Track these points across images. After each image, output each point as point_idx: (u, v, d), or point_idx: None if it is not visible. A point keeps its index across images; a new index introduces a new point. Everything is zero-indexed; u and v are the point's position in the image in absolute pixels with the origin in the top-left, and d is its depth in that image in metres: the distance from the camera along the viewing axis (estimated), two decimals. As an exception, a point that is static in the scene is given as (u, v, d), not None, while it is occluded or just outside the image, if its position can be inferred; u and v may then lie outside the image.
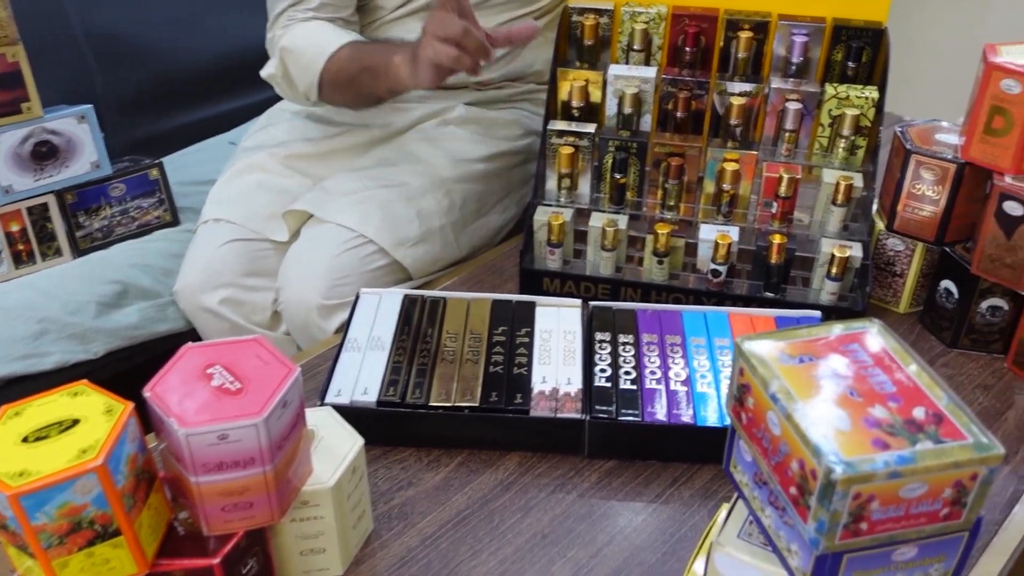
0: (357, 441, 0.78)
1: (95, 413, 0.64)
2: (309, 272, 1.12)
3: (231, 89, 1.72)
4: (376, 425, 0.92)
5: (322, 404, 0.90)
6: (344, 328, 1.01)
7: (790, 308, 1.06)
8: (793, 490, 0.59)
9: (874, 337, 0.65)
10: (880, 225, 1.11)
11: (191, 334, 1.24)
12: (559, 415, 0.89)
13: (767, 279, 1.09)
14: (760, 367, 0.62)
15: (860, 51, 1.13)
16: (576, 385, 0.92)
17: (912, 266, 1.10)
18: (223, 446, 0.65)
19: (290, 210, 1.18)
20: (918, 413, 0.59)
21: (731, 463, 0.70)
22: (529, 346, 0.98)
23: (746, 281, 1.13)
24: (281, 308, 1.16)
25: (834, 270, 1.06)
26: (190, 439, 0.64)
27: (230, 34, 1.75)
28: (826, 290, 1.08)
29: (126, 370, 1.23)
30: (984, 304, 1.03)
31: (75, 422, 0.64)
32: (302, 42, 1.18)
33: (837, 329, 0.65)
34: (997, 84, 0.94)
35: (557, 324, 1.01)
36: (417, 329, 1.00)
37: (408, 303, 1.04)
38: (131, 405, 0.65)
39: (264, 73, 1.26)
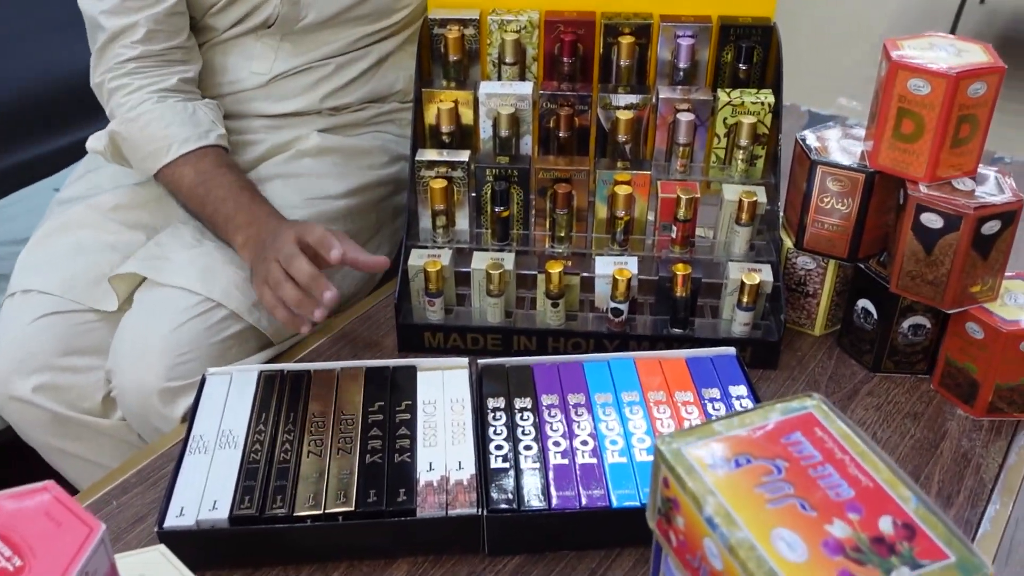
0: (199, 591, 0.62)
1: None
2: (145, 349, 0.94)
3: (53, 126, 1.49)
4: (232, 546, 0.76)
5: (160, 530, 0.74)
6: (188, 421, 0.85)
7: (700, 345, 0.96)
8: (744, 640, 0.46)
9: (816, 420, 0.53)
10: (788, 242, 1.01)
11: (5, 433, 1.04)
12: (451, 512, 0.75)
13: (673, 314, 0.98)
14: (690, 479, 0.49)
15: (751, 51, 1.03)
16: (469, 470, 0.78)
17: (825, 285, 1.00)
18: (-3, 654, 0.49)
19: (118, 274, 1.00)
20: (885, 526, 0.47)
21: (659, 578, 0.57)
22: (411, 424, 0.83)
23: (650, 317, 1.01)
24: (115, 393, 0.97)
25: (745, 299, 0.95)
26: (-53, 653, 0.47)
27: (51, 60, 1.52)
28: (738, 321, 0.97)
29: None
30: (906, 323, 0.94)
31: None
32: (137, 135, 1.03)
33: (774, 414, 0.54)
34: (904, 84, 0.85)
35: (442, 392, 0.87)
36: (277, 415, 0.84)
37: (264, 382, 0.88)
38: None
39: (91, 146, 1.09)
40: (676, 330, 0.98)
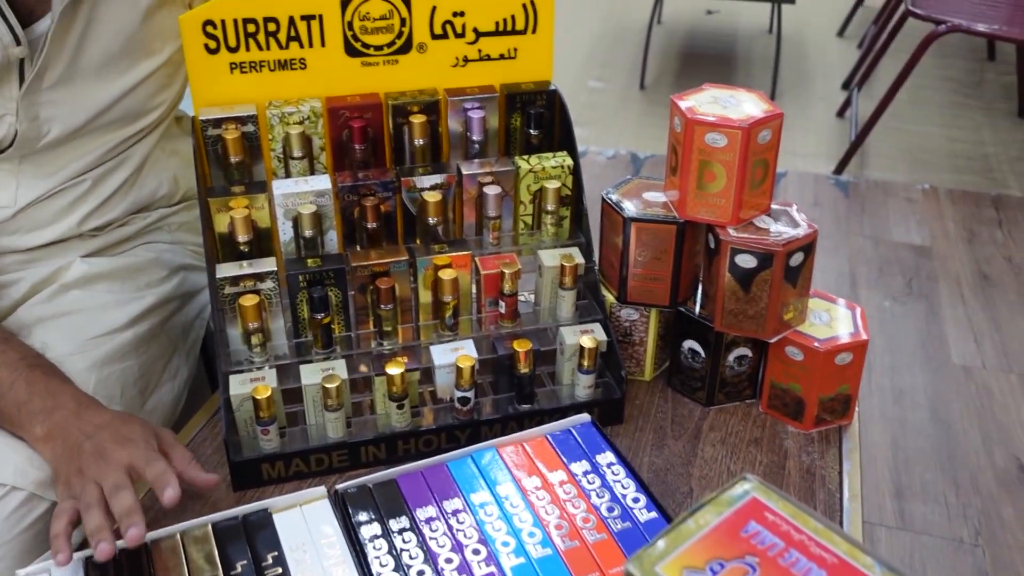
0: None
1: None
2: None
3: None
4: None
5: None
6: None
7: (550, 415, 0.95)
8: None
9: (762, 503, 0.54)
10: (610, 297, 1.03)
11: None
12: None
13: (519, 391, 0.96)
14: (674, 604, 0.47)
15: (539, 116, 1.04)
16: (367, 617, 0.71)
17: (650, 332, 1.03)
18: None
19: None
20: (864, 601, 0.48)
21: None
22: (286, 579, 0.75)
23: (491, 397, 0.99)
24: None
25: (586, 363, 0.96)
26: None
27: None
28: (581, 384, 0.97)
29: None
30: (731, 356, 1.00)
31: None
32: None
33: (722, 508, 0.53)
34: (702, 139, 0.90)
35: (307, 532, 0.79)
36: (120, 611, 0.72)
37: (95, 573, 0.75)
38: None
39: None
40: (524, 406, 0.97)
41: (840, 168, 2.80)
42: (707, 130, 0.89)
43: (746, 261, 0.92)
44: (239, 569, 0.75)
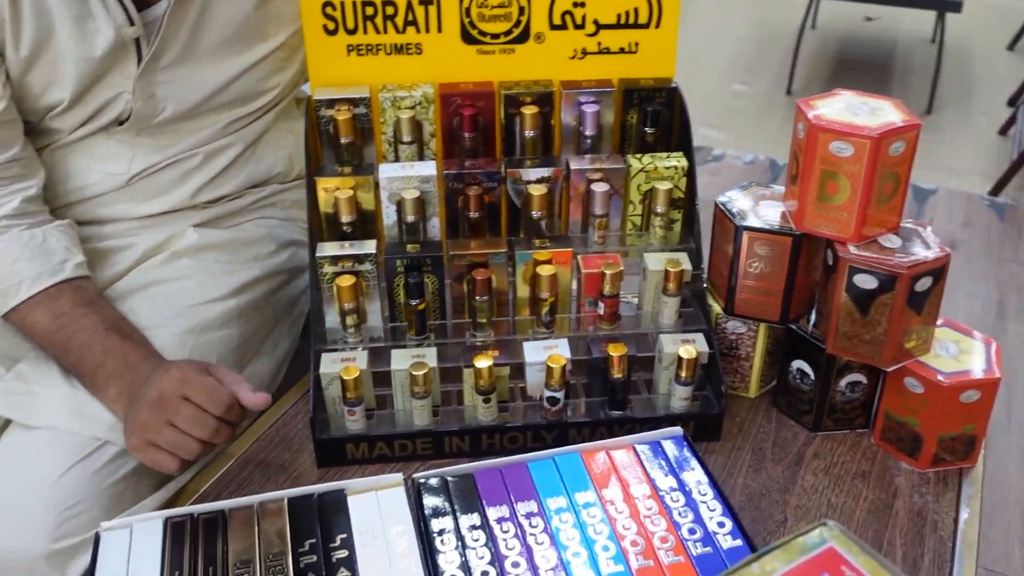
0: None
1: None
2: (24, 506, 0.80)
3: None
4: None
5: None
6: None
7: (642, 424, 0.91)
8: None
9: (840, 555, 0.49)
10: (717, 308, 0.98)
11: None
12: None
13: (611, 396, 0.93)
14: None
15: (656, 114, 1.00)
16: (426, 612, 0.70)
17: (757, 348, 0.98)
18: None
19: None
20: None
21: None
22: (350, 563, 0.74)
23: (584, 400, 0.96)
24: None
25: (684, 374, 0.91)
26: None
27: None
28: (677, 396, 0.93)
29: None
30: (843, 382, 0.93)
31: None
32: None
33: (794, 555, 0.49)
34: (826, 147, 0.84)
35: (379, 519, 0.78)
36: (192, 574, 0.73)
37: (173, 532, 0.77)
38: None
39: None
40: (615, 412, 0.93)
41: (997, 189, 2.60)
42: (832, 138, 0.83)
43: (865, 282, 0.85)
44: (306, 547, 0.75)
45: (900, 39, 3.68)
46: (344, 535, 0.77)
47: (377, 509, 0.79)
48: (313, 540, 0.76)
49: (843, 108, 0.85)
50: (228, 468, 0.92)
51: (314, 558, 0.74)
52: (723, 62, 3.50)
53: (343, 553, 0.75)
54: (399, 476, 0.82)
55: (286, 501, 0.80)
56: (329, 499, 0.80)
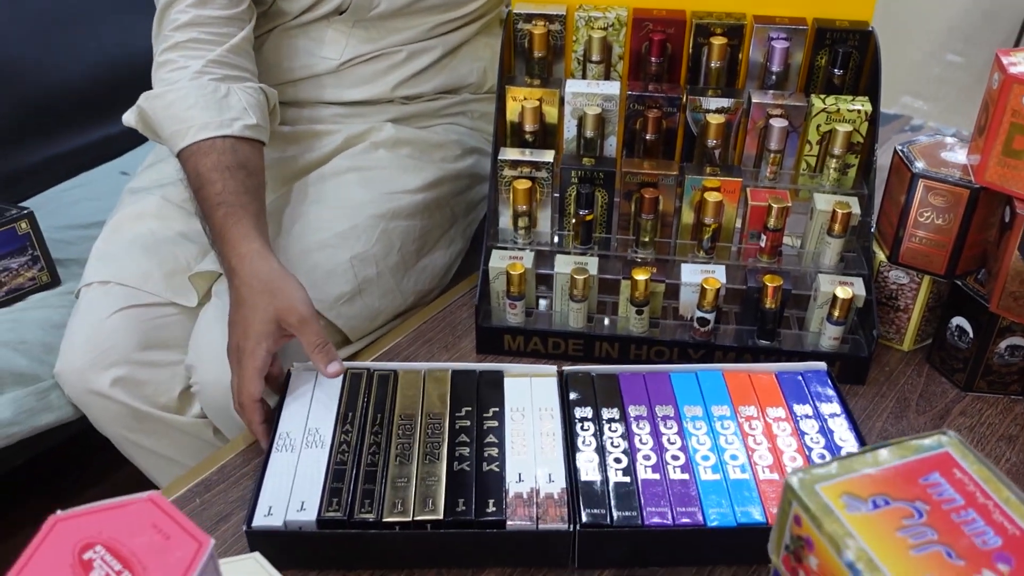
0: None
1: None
2: (224, 347, 0.93)
3: (118, 108, 1.49)
4: (318, 548, 0.75)
5: (248, 529, 0.73)
6: (274, 417, 0.84)
7: (788, 357, 0.94)
8: None
9: (954, 460, 0.51)
10: (880, 255, 0.98)
11: (81, 423, 1.04)
12: (541, 527, 0.74)
13: (761, 325, 0.96)
14: (826, 520, 0.47)
15: (847, 56, 0.99)
16: (559, 484, 0.77)
17: (918, 300, 0.97)
18: (114, 668, 0.48)
19: (198, 271, 0.99)
20: (1038, 578, 0.45)
21: (775, 612, 0.56)
22: (499, 432, 0.82)
23: (734, 327, 0.99)
24: (195, 389, 0.97)
25: (836, 313, 0.93)
26: (66, 667, 0.47)
27: (118, 41, 1.51)
28: (827, 335, 0.95)
29: (6, 474, 1.02)
30: (1003, 344, 0.91)
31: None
32: (161, 113, 0.96)
33: (909, 452, 0.51)
34: (1019, 99, 0.82)
35: (530, 400, 0.86)
36: (363, 416, 0.84)
37: (351, 380, 0.87)
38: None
39: (125, 120, 1.03)
40: (763, 342, 0.96)
41: None
42: (1028, 89, 0.81)
43: (1042, 241, 0.83)
44: (462, 413, 0.84)
45: None
46: (496, 408, 0.84)
47: (529, 392, 0.87)
48: (469, 408, 0.84)
49: (1045, 61, 0.83)
50: (398, 341, 1.02)
51: (468, 423, 0.83)
52: (941, 30, 3.29)
53: (494, 423, 0.83)
54: (553, 368, 0.89)
55: (450, 372, 0.88)
56: (488, 377, 0.88)
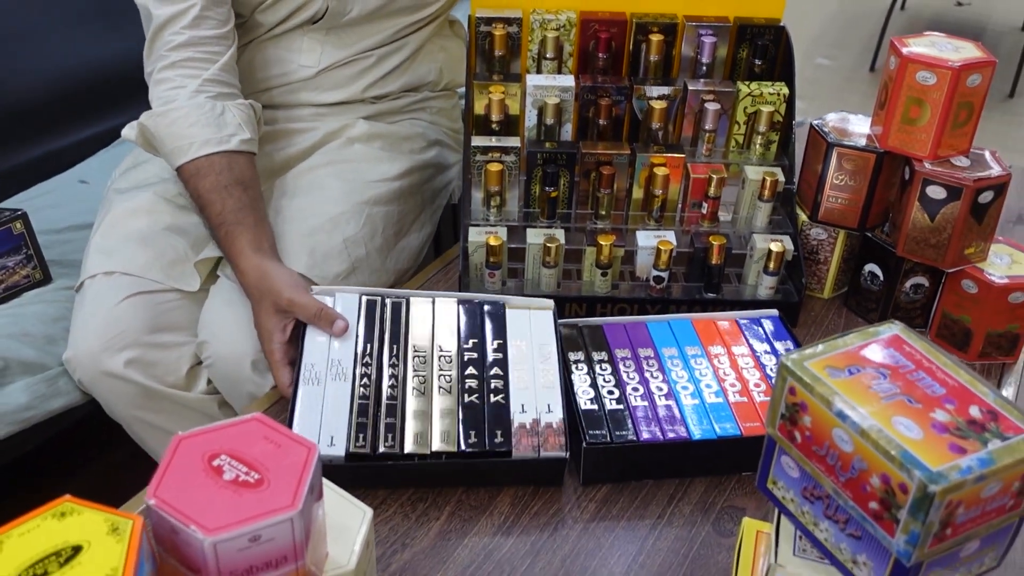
0: (366, 513, 0.71)
1: (98, 535, 0.54)
2: (238, 321, 1.01)
3: (76, 118, 1.53)
4: (348, 477, 0.84)
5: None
6: (298, 346, 0.93)
7: (731, 307, 1.09)
8: (874, 504, 0.58)
9: (902, 339, 0.66)
10: (802, 216, 1.15)
11: (90, 406, 1.09)
12: (543, 454, 0.85)
13: (708, 280, 1.10)
14: (817, 385, 0.61)
15: (764, 48, 1.16)
16: (557, 414, 0.89)
17: (835, 253, 1.14)
18: (254, 548, 0.57)
19: (203, 258, 1.07)
20: (975, 412, 0.60)
21: (768, 480, 0.69)
22: (503, 364, 0.93)
23: (683, 283, 1.13)
24: (209, 364, 1.04)
25: (771, 265, 1.08)
26: (218, 547, 0.56)
27: (73, 53, 1.54)
28: (764, 285, 1.10)
29: (18, 459, 1.06)
30: (908, 283, 1.09)
31: (76, 550, 0.54)
32: (164, 131, 1.05)
33: (869, 336, 0.66)
34: (913, 76, 0.99)
35: (530, 334, 0.96)
36: (380, 348, 0.93)
37: (367, 308, 0.96)
38: (140, 520, 0.56)
39: (125, 134, 1.11)
40: (710, 295, 1.11)
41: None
42: (919, 68, 0.99)
43: (936, 192, 1.01)
44: (470, 345, 0.94)
45: (990, 25, 3.73)
46: (500, 342, 0.95)
47: (529, 324, 0.97)
48: (475, 340, 0.95)
49: (930, 45, 1.01)
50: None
51: (475, 355, 0.93)
52: (810, 35, 3.60)
53: (499, 355, 0.94)
54: (550, 301, 0.99)
55: (456, 301, 0.98)
56: (491, 308, 0.98)
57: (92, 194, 1.35)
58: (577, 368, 0.94)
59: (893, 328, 0.67)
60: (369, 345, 0.93)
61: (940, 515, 0.55)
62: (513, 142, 1.11)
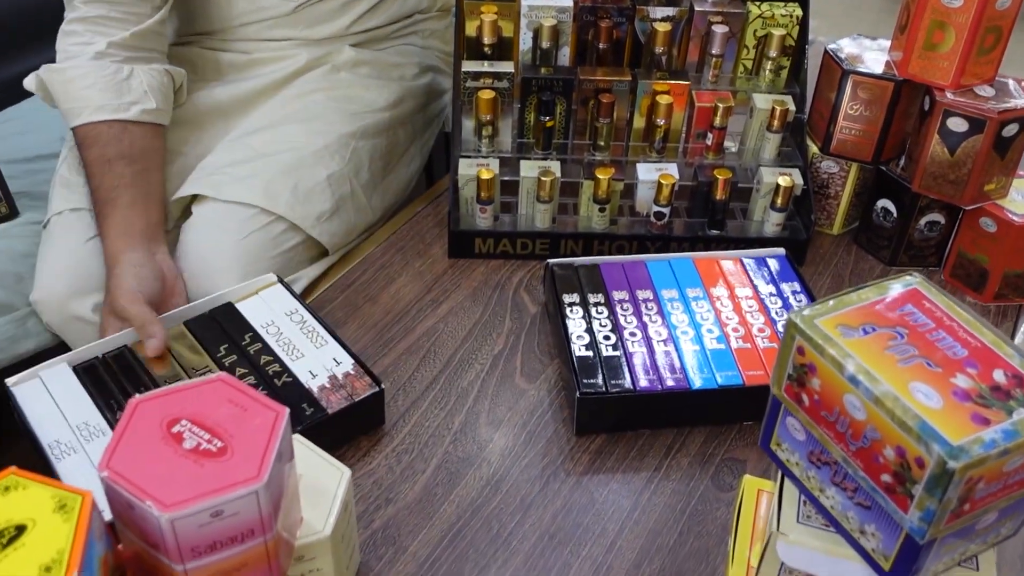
0: (344, 473, 0.67)
1: (44, 512, 0.50)
2: (217, 257, 0.95)
3: (37, 40, 1.43)
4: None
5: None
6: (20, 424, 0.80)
7: (735, 244, 1.03)
8: (887, 477, 0.54)
9: (922, 294, 0.61)
10: (813, 148, 1.08)
11: (61, 348, 1.04)
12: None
13: (711, 216, 1.04)
14: (828, 345, 0.56)
15: (777, -35, 1.07)
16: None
17: (847, 187, 1.08)
18: (217, 524, 0.53)
19: (179, 196, 1.01)
20: (999, 377, 0.55)
21: (772, 441, 0.65)
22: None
23: (685, 220, 1.07)
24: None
25: (779, 201, 1.02)
26: (176, 524, 0.51)
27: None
28: (771, 221, 1.04)
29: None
30: (923, 220, 1.03)
31: (20, 529, 0.49)
32: (59, 88, 0.98)
33: (885, 290, 0.61)
34: (938, -3, 0.91)
35: (270, 313, 0.89)
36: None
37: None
38: (90, 496, 0.51)
39: (26, 84, 1.02)
40: (713, 231, 1.05)
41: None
42: (945, -12, 0.91)
43: (957, 124, 0.94)
44: (222, 352, 0.84)
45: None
46: (250, 333, 0.86)
47: (267, 306, 0.89)
48: (226, 345, 0.85)
49: (958, -38, 0.93)
50: (372, 251, 1.06)
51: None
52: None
53: (257, 345, 0.87)
54: (272, 276, 0.92)
55: (183, 324, 0.88)
56: (219, 311, 0.89)
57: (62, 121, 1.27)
58: (572, 312, 0.89)
59: (912, 281, 0.61)
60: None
61: (959, 492, 0.51)
62: (506, 67, 1.03)
